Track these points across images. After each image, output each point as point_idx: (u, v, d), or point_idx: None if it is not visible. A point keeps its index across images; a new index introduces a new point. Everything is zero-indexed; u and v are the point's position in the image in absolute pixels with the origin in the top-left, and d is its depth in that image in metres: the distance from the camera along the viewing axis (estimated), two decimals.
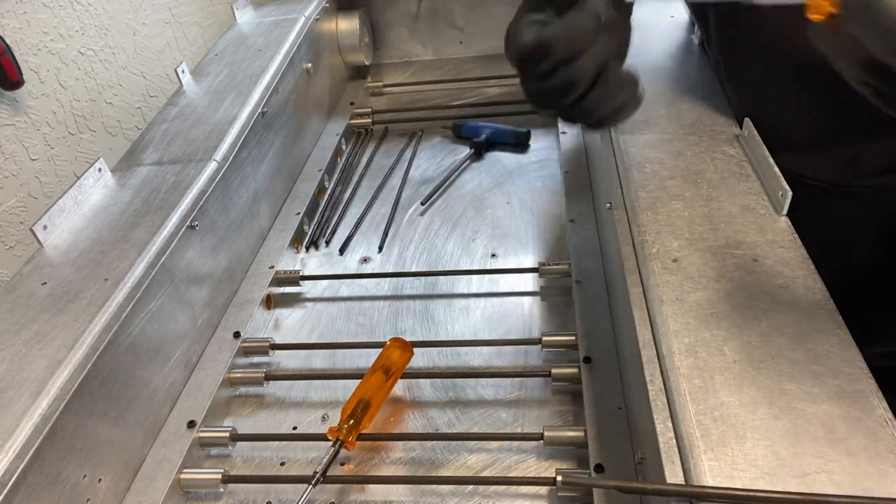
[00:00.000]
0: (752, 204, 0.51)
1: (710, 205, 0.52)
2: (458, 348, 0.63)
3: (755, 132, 0.56)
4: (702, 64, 0.72)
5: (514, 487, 0.51)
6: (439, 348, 0.63)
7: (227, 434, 0.55)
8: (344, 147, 0.97)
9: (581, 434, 0.51)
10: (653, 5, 0.84)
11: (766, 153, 0.53)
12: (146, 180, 0.66)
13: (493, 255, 0.73)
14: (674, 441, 0.38)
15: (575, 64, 0.41)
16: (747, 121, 0.57)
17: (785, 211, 0.50)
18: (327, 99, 1.02)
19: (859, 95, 0.36)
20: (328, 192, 0.88)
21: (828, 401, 0.37)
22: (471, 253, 0.75)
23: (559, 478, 0.47)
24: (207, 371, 0.61)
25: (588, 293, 0.63)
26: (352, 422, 0.52)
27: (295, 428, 0.58)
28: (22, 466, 0.42)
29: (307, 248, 0.79)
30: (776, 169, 0.51)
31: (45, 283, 0.54)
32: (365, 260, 0.76)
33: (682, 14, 0.82)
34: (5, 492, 0.41)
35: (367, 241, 0.79)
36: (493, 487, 0.51)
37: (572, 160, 0.83)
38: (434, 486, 0.52)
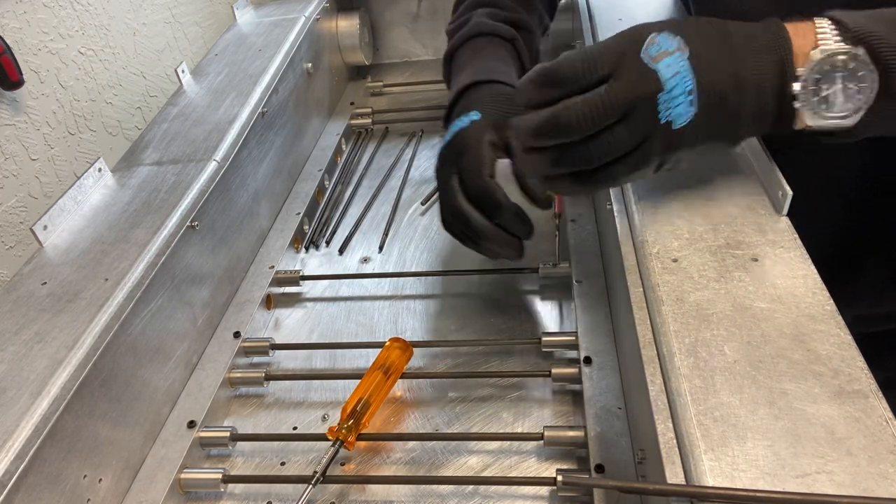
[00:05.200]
0: (752, 204, 0.51)
1: (710, 205, 0.52)
2: (458, 348, 0.63)
3: None
4: None
5: (514, 488, 0.51)
6: (439, 348, 0.63)
7: (227, 434, 0.55)
8: (344, 147, 0.97)
9: (581, 434, 0.51)
10: None
11: (767, 153, 0.53)
12: (146, 180, 0.66)
13: None
14: (674, 441, 0.38)
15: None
16: None
17: (785, 211, 0.49)
18: (327, 99, 1.02)
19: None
20: (328, 192, 0.88)
21: (828, 401, 0.37)
22: (471, 253, 0.74)
23: (559, 478, 0.47)
24: (207, 371, 0.61)
25: (588, 293, 0.63)
26: (351, 422, 0.52)
27: (295, 428, 0.58)
28: (22, 466, 0.42)
29: (307, 248, 0.79)
30: (776, 169, 0.51)
31: (45, 283, 0.54)
32: (365, 260, 0.76)
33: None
34: (6, 492, 0.41)
35: (367, 241, 0.79)
36: (493, 488, 0.51)
37: None
38: (434, 487, 0.52)
